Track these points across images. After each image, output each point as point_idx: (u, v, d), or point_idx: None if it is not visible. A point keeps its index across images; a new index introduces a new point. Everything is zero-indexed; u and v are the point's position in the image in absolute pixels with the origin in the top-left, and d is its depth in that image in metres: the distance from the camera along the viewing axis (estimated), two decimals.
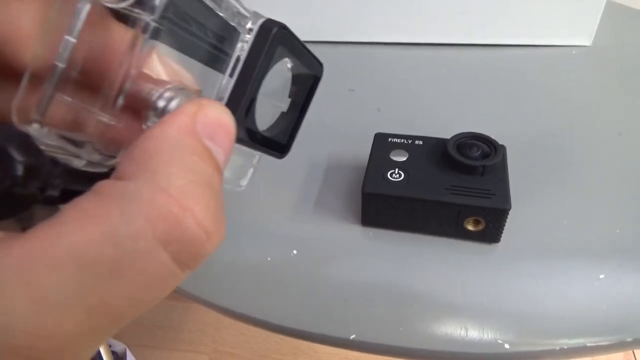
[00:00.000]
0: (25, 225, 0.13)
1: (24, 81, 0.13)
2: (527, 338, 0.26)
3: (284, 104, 0.20)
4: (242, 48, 0.16)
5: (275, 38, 0.16)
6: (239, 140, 0.16)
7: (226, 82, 0.16)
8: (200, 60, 0.16)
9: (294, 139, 0.21)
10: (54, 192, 0.13)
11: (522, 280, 0.28)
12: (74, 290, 0.11)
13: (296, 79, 0.20)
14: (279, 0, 0.49)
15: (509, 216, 0.28)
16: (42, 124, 0.13)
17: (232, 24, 0.16)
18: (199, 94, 0.17)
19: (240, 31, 0.16)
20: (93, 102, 0.14)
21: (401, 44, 0.52)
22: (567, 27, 0.49)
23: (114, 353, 0.75)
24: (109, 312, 0.12)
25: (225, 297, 0.30)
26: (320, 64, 0.20)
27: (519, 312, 0.27)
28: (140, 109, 0.15)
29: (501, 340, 0.26)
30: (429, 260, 0.30)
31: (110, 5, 0.13)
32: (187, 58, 0.16)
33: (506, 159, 0.30)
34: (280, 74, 0.19)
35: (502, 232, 0.29)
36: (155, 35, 0.14)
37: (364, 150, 0.32)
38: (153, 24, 0.13)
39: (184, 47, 0.16)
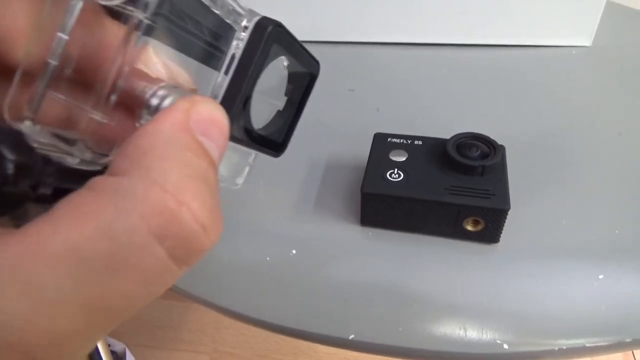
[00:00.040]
0: (19, 223, 0.13)
1: (16, 78, 0.13)
2: (526, 338, 0.26)
3: (280, 102, 0.20)
4: (237, 46, 0.16)
5: (270, 36, 0.16)
6: (234, 138, 0.16)
7: (221, 79, 0.16)
8: (195, 58, 0.16)
9: (290, 137, 0.21)
10: (46, 191, 0.13)
11: (521, 281, 0.28)
12: (69, 286, 0.11)
13: (292, 77, 0.20)
14: (279, 0, 0.49)
15: (508, 216, 0.28)
16: (34, 121, 0.13)
17: (228, 21, 0.16)
18: (194, 92, 0.17)
19: (235, 29, 0.16)
20: (86, 99, 0.14)
21: (401, 44, 0.52)
22: (567, 27, 0.49)
23: (113, 353, 0.75)
24: (105, 308, 0.12)
25: (224, 297, 0.30)
26: (317, 62, 0.20)
27: (518, 313, 0.27)
28: (133, 107, 0.15)
29: (500, 340, 0.26)
30: (428, 260, 0.30)
31: (103, 2, 0.13)
32: (182, 55, 0.16)
33: (505, 159, 0.30)
34: (277, 71, 0.19)
35: (501, 233, 0.29)
36: (148, 32, 0.14)
37: (364, 150, 0.32)
38: (146, 21, 0.13)
39: (180, 44, 0.16)
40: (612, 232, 0.30)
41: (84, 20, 0.13)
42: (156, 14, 0.14)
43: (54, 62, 0.13)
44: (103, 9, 0.14)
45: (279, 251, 0.31)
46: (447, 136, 0.31)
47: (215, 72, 0.16)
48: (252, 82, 0.16)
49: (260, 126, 0.19)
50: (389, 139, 0.33)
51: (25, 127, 0.13)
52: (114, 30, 0.14)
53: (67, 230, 0.11)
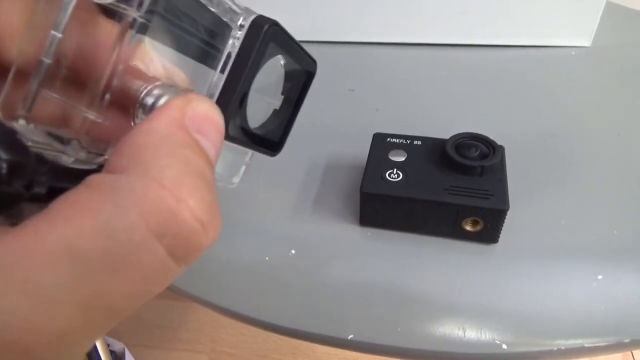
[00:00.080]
0: (14, 221, 0.13)
1: (10, 76, 0.13)
2: (525, 338, 0.26)
3: (276, 101, 0.20)
4: (233, 44, 0.16)
5: (266, 35, 0.16)
6: (229, 137, 0.16)
7: (217, 78, 0.16)
8: (191, 56, 0.16)
9: (287, 136, 0.20)
10: (40, 190, 0.13)
11: (520, 281, 0.28)
12: (67, 284, 0.11)
13: (289, 76, 0.20)
14: (279, 0, 0.49)
15: (507, 217, 0.28)
16: (28, 120, 0.13)
17: (224, 19, 0.16)
18: (190, 91, 0.17)
19: (232, 27, 0.16)
20: (80, 98, 0.14)
21: (401, 44, 0.52)
22: (567, 27, 0.49)
23: (112, 352, 0.75)
24: (104, 306, 0.12)
25: (223, 296, 0.30)
26: (314, 61, 0.20)
27: (517, 313, 0.27)
28: (128, 106, 0.15)
29: (499, 340, 0.26)
30: (427, 260, 0.29)
31: (98, 0, 0.13)
32: (178, 54, 0.16)
33: (505, 160, 0.30)
34: (273, 70, 0.19)
35: (500, 233, 0.29)
36: (143, 30, 0.14)
37: (363, 150, 0.32)
38: (140, 20, 0.13)
39: (176, 42, 0.16)
40: (612, 232, 0.30)
41: (77, 18, 0.13)
42: (151, 11, 0.14)
43: (47, 61, 0.13)
44: (97, 8, 0.14)
45: (278, 251, 0.31)
46: (447, 136, 0.31)
47: (211, 71, 0.16)
48: (248, 81, 0.16)
49: (257, 125, 0.19)
50: (388, 139, 0.33)
51: (19, 125, 0.13)
52: (108, 29, 0.14)
53: (64, 227, 0.11)
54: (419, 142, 0.32)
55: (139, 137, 0.13)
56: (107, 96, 0.14)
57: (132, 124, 0.15)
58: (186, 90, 0.16)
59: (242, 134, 0.17)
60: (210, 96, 0.16)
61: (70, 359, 0.12)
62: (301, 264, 0.30)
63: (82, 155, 0.14)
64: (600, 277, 0.28)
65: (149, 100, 0.15)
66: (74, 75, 0.14)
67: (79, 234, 0.11)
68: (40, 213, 0.11)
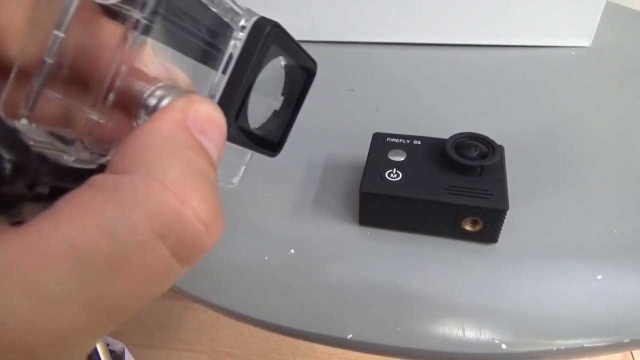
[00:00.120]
0: (13, 220, 0.13)
1: (12, 75, 0.13)
2: (524, 338, 0.26)
3: (277, 102, 0.20)
4: (235, 45, 0.16)
5: (268, 36, 0.16)
6: (231, 138, 0.16)
7: (218, 79, 0.16)
8: (193, 57, 0.16)
9: (287, 137, 0.20)
10: (42, 190, 0.13)
11: (520, 281, 0.28)
12: (70, 284, 0.11)
13: (289, 77, 0.20)
14: (279, 0, 0.49)
15: (507, 216, 0.28)
16: (30, 119, 0.13)
17: (225, 19, 0.16)
18: (192, 93, 0.17)
19: (233, 27, 0.16)
20: (83, 99, 0.14)
21: (401, 44, 0.52)
22: (567, 27, 0.49)
23: (112, 352, 0.75)
24: (107, 306, 0.12)
25: (223, 296, 0.30)
26: (314, 62, 0.20)
27: (516, 313, 0.27)
28: (131, 107, 0.15)
29: (498, 340, 0.26)
30: (427, 260, 0.29)
31: (101, 1, 0.13)
32: (180, 54, 0.16)
33: (504, 159, 0.30)
34: (274, 71, 0.19)
35: (499, 233, 0.29)
36: (146, 31, 0.14)
37: (363, 150, 0.32)
38: (144, 21, 0.13)
39: (177, 42, 0.16)
40: (611, 232, 0.30)
41: (80, 18, 0.13)
42: (154, 12, 0.13)
43: (50, 60, 0.13)
44: (100, 8, 0.14)
45: (278, 251, 0.31)
46: (447, 136, 0.31)
47: (212, 71, 0.16)
48: (249, 83, 0.16)
49: (257, 126, 0.19)
50: (387, 139, 0.33)
51: (21, 125, 0.13)
52: (111, 30, 0.14)
53: (68, 227, 0.11)
54: (419, 142, 0.32)
55: (142, 137, 0.13)
56: (111, 97, 0.14)
57: (135, 124, 0.15)
58: (188, 91, 0.16)
59: (242, 135, 0.17)
60: (212, 97, 0.16)
61: (72, 359, 0.12)
62: (301, 264, 0.30)
63: (85, 155, 0.14)
64: (600, 277, 0.28)
65: (152, 102, 0.15)
66: (77, 76, 0.14)
67: (82, 234, 0.11)
68: (43, 213, 0.11)
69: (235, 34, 0.16)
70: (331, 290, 0.29)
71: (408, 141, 0.32)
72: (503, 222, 0.28)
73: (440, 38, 0.51)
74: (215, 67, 0.16)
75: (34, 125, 0.13)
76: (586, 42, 0.50)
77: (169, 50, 0.16)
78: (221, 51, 0.16)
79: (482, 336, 0.26)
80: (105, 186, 0.12)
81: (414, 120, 0.41)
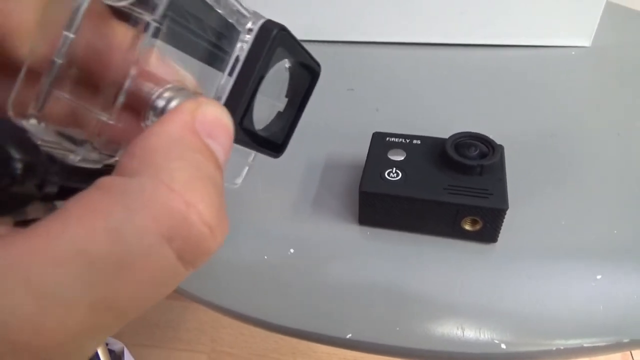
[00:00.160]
0: (18, 219, 0.13)
1: (21, 75, 0.13)
2: (524, 338, 0.26)
3: (280, 104, 0.20)
4: (241, 48, 0.16)
5: (275, 40, 0.16)
6: (236, 139, 0.16)
7: (225, 81, 0.16)
8: (199, 59, 0.16)
9: (290, 138, 0.21)
10: (51, 189, 0.13)
11: (520, 281, 0.28)
12: (77, 286, 0.11)
13: (293, 79, 0.20)
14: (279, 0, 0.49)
15: (506, 216, 0.28)
16: (39, 119, 0.13)
17: (231, 21, 0.16)
18: (200, 95, 0.17)
19: (239, 30, 0.16)
20: (92, 100, 0.14)
21: (401, 44, 0.52)
22: (567, 27, 0.49)
23: (111, 352, 0.75)
24: (113, 308, 0.12)
25: (222, 296, 0.30)
26: (318, 65, 0.20)
27: (516, 312, 0.27)
28: (139, 109, 0.15)
29: (498, 340, 0.26)
30: (426, 259, 0.29)
31: (111, 3, 0.13)
32: (186, 56, 0.16)
33: (504, 159, 0.30)
34: (278, 73, 0.19)
35: (499, 232, 0.29)
36: (156, 34, 0.14)
37: (362, 149, 0.32)
38: (154, 23, 0.13)
39: (183, 44, 0.16)
40: (611, 232, 0.30)
41: (90, 19, 0.13)
42: (164, 15, 0.14)
43: (59, 61, 0.13)
44: (110, 10, 0.14)
45: (277, 250, 0.31)
46: (447, 136, 0.31)
47: (219, 73, 0.16)
48: (255, 85, 0.16)
49: (261, 127, 0.19)
50: (387, 138, 0.33)
51: (30, 124, 0.13)
52: (121, 32, 0.14)
53: (75, 230, 0.11)
54: (418, 142, 0.32)
55: (150, 139, 0.13)
56: (120, 99, 0.14)
57: (143, 125, 0.15)
58: (196, 93, 0.16)
59: (248, 136, 0.18)
60: (218, 99, 0.16)
61: None
62: (300, 263, 0.30)
63: (94, 155, 0.14)
64: (599, 277, 0.28)
65: (160, 103, 0.15)
66: (86, 77, 0.14)
67: (90, 237, 0.11)
68: (51, 215, 0.11)
69: (241, 36, 0.16)
70: (331, 289, 0.29)
71: (408, 141, 0.32)
72: (503, 221, 0.28)
73: (440, 38, 0.51)
74: (221, 69, 0.16)
75: (42, 125, 0.13)
76: (586, 42, 0.50)
77: (175, 52, 0.16)
78: (227, 53, 0.16)
79: (482, 336, 0.26)
80: (113, 188, 0.12)
81: (413, 120, 0.41)
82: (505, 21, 0.49)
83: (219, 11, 0.16)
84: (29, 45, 0.14)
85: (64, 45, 0.13)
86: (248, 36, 0.16)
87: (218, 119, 0.14)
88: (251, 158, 0.20)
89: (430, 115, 0.42)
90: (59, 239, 0.11)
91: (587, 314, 0.27)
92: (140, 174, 0.12)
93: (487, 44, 0.51)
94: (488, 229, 0.29)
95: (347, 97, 0.44)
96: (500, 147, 0.30)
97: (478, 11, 0.49)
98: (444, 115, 0.42)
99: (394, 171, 0.30)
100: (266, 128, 0.20)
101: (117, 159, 0.15)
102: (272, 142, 0.20)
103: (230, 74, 0.16)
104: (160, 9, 0.13)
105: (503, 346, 0.26)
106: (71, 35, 0.13)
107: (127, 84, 0.14)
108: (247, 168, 0.20)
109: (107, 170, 0.14)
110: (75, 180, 0.14)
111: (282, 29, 0.16)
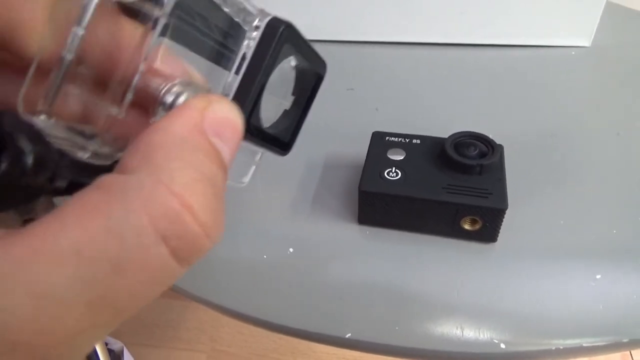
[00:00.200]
0: (25, 216, 0.13)
1: (31, 71, 0.13)
2: (523, 338, 0.26)
3: (287, 102, 0.20)
4: (248, 45, 0.16)
5: (282, 36, 0.16)
6: (244, 136, 0.16)
7: (232, 79, 0.16)
8: (206, 57, 0.17)
9: (297, 136, 0.21)
10: (61, 184, 0.13)
11: (519, 280, 0.28)
12: (75, 285, 0.11)
13: (300, 77, 0.20)
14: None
15: (506, 216, 0.28)
16: (49, 115, 0.13)
17: (237, 20, 0.16)
18: (208, 90, 0.17)
19: (246, 28, 0.16)
20: (102, 95, 0.14)
21: (401, 44, 0.52)
22: (567, 27, 0.49)
23: (111, 351, 0.75)
24: (110, 306, 0.12)
25: (222, 295, 0.30)
26: (324, 62, 0.20)
27: (515, 312, 0.27)
28: (148, 105, 0.15)
29: (497, 339, 0.26)
30: (426, 259, 0.29)
31: None
32: (193, 55, 0.16)
33: (504, 159, 0.30)
34: (285, 71, 0.19)
35: (499, 232, 0.29)
36: (165, 30, 0.14)
37: (362, 149, 0.32)
38: (163, 20, 0.13)
39: (190, 43, 0.16)
40: (610, 232, 0.30)
41: (100, 16, 0.13)
42: (173, 11, 0.14)
43: (69, 57, 0.13)
44: (119, 7, 0.14)
45: (276, 249, 0.31)
46: (446, 136, 0.31)
47: (225, 72, 0.17)
48: (263, 82, 0.16)
49: (268, 125, 0.19)
50: (387, 138, 0.33)
51: (40, 121, 0.13)
52: (130, 28, 0.15)
53: (74, 229, 0.11)
54: (418, 141, 0.32)
55: (156, 135, 0.13)
56: (130, 94, 0.14)
57: (151, 121, 0.15)
58: (204, 87, 0.16)
59: (255, 133, 0.18)
60: (225, 96, 0.16)
61: (73, 358, 0.12)
62: (300, 263, 0.30)
63: (105, 150, 0.14)
64: (598, 276, 0.28)
65: (169, 99, 0.15)
66: (96, 73, 0.14)
67: (88, 236, 0.11)
68: (50, 214, 0.11)
69: (248, 34, 0.16)
70: (330, 289, 0.29)
71: (407, 140, 0.32)
72: (502, 221, 0.28)
73: (440, 38, 0.51)
74: (228, 67, 0.16)
75: (52, 121, 0.13)
76: (586, 42, 0.50)
77: (182, 51, 0.16)
78: (233, 52, 0.16)
79: (481, 335, 0.26)
80: (112, 187, 0.12)
81: (413, 120, 0.41)
82: (505, 21, 0.49)
83: (226, 10, 0.16)
84: (39, 41, 0.14)
85: (73, 41, 0.13)
86: (255, 33, 0.16)
87: (227, 118, 0.14)
88: (258, 157, 0.20)
89: (430, 115, 0.42)
90: (57, 238, 0.11)
91: (587, 313, 0.27)
92: (140, 171, 0.12)
93: (487, 44, 0.51)
94: (487, 229, 0.29)
95: (346, 96, 0.44)
96: (500, 147, 0.30)
97: (478, 11, 0.49)
98: (443, 114, 0.42)
99: (393, 171, 0.30)
100: (273, 126, 0.20)
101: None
102: (279, 140, 0.20)
103: (237, 72, 0.16)
104: (169, 5, 0.13)
105: (502, 346, 0.26)
106: (81, 31, 0.13)
107: (136, 79, 0.14)
108: (254, 167, 0.20)
109: (113, 166, 0.14)
110: (85, 176, 0.14)
111: (289, 26, 0.16)
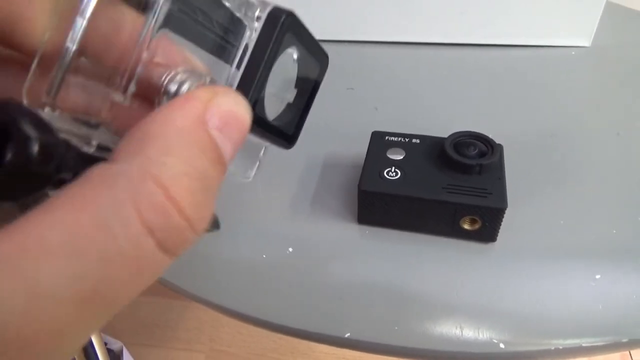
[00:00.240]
0: (26, 210, 0.13)
1: (34, 63, 0.13)
2: (522, 338, 0.26)
3: (290, 95, 0.20)
4: (250, 36, 0.16)
5: (284, 24, 0.16)
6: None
7: (234, 70, 0.16)
8: (207, 50, 0.16)
9: (301, 129, 0.21)
10: (67, 175, 0.13)
11: (519, 280, 0.28)
12: (65, 279, 0.11)
13: (302, 69, 0.20)
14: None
15: (505, 216, 0.28)
16: (53, 106, 0.13)
17: (238, 14, 0.16)
18: (211, 77, 0.17)
19: (246, 22, 0.16)
20: (106, 85, 0.14)
21: (401, 44, 0.52)
22: (567, 27, 0.49)
23: (110, 351, 0.75)
24: (101, 299, 0.12)
25: (221, 295, 0.30)
26: (326, 54, 0.20)
27: (514, 312, 0.27)
28: (152, 95, 0.15)
29: (496, 339, 0.26)
30: (425, 259, 0.29)
31: None
32: (195, 48, 0.16)
33: (503, 158, 0.30)
34: (287, 64, 0.19)
35: (498, 232, 0.29)
36: (168, 19, 0.14)
37: (361, 148, 0.32)
38: (165, 7, 0.13)
39: (192, 36, 0.16)
40: (610, 232, 0.30)
41: (102, 5, 0.13)
42: (173, 2, 0.14)
43: (72, 47, 0.13)
44: None
45: (276, 249, 0.31)
46: (446, 135, 0.31)
47: (227, 66, 0.16)
48: (266, 71, 0.16)
49: (272, 118, 0.19)
50: (386, 137, 0.33)
51: (45, 112, 0.13)
52: (132, 18, 0.14)
53: (63, 222, 0.11)
54: (418, 141, 0.32)
55: (153, 124, 0.13)
56: (132, 85, 0.14)
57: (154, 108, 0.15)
58: (208, 75, 0.16)
59: (260, 125, 0.17)
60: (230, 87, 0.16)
61: (66, 354, 0.12)
62: (299, 263, 0.30)
63: (110, 142, 0.14)
64: (598, 276, 0.28)
65: (173, 87, 0.15)
66: (99, 63, 0.14)
67: (77, 229, 0.11)
68: (39, 207, 0.11)
69: (250, 24, 0.16)
70: (329, 288, 0.29)
71: (407, 140, 0.32)
72: (502, 221, 0.28)
73: (440, 38, 0.51)
74: (229, 60, 0.16)
75: (57, 112, 0.13)
76: (586, 42, 0.50)
77: (184, 44, 0.16)
78: (235, 46, 0.16)
79: (481, 335, 0.26)
80: (102, 179, 0.12)
81: (413, 120, 0.41)
82: (505, 21, 0.49)
83: (227, 4, 0.16)
84: (40, 33, 0.14)
85: (76, 31, 0.13)
86: (256, 24, 0.16)
87: (232, 112, 0.14)
88: (262, 152, 0.20)
89: (430, 115, 0.42)
90: (47, 231, 0.11)
91: (586, 313, 0.27)
92: (131, 162, 0.12)
93: (487, 44, 0.51)
94: (487, 229, 0.29)
95: (346, 96, 0.44)
96: (500, 147, 0.30)
97: (478, 11, 0.49)
98: (443, 114, 0.42)
99: (393, 170, 0.30)
100: (277, 119, 0.20)
101: None
102: (283, 132, 0.20)
103: (239, 64, 0.16)
104: None
105: (502, 345, 0.26)
106: (84, 21, 0.13)
107: (140, 69, 0.14)
108: (258, 162, 0.20)
109: None
110: (90, 167, 0.14)
111: (291, 15, 0.16)
